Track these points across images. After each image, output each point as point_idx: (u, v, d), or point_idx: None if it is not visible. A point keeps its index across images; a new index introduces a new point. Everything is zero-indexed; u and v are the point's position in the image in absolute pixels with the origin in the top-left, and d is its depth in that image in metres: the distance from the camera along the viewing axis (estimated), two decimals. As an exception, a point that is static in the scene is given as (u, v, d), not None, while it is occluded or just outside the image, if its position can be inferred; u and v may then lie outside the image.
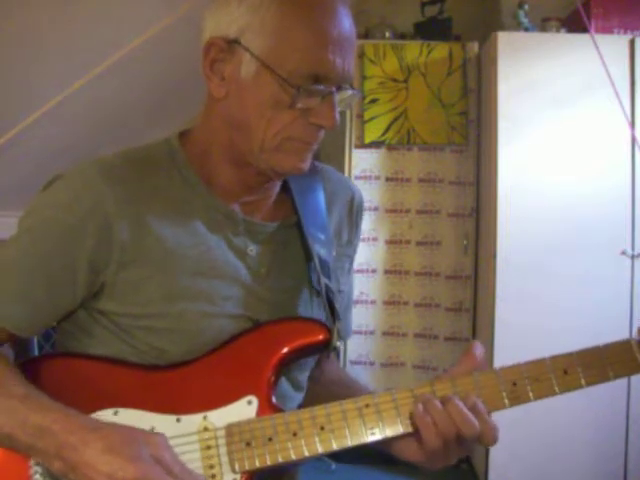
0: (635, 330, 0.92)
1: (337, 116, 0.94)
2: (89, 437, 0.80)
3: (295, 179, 1.07)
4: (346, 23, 0.93)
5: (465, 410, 0.87)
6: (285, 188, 1.08)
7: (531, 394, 0.89)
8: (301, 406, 1.07)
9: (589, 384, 0.90)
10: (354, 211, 1.18)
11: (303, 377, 1.09)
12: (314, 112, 0.93)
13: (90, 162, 0.98)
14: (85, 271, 0.94)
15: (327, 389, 1.10)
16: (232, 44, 0.93)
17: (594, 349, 0.91)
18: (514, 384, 0.89)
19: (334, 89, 0.93)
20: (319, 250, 1.05)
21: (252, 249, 1.03)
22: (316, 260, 1.04)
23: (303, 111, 0.93)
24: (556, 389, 0.89)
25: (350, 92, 0.97)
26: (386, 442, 0.92)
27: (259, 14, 0.91)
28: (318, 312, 1.07)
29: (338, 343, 1.01)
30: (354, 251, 1.20)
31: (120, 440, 0.80)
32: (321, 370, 1.17)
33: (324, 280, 1.04)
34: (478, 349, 0.94)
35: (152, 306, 0.96)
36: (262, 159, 0.96)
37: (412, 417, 0.88)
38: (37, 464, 0.87)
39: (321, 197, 1.12)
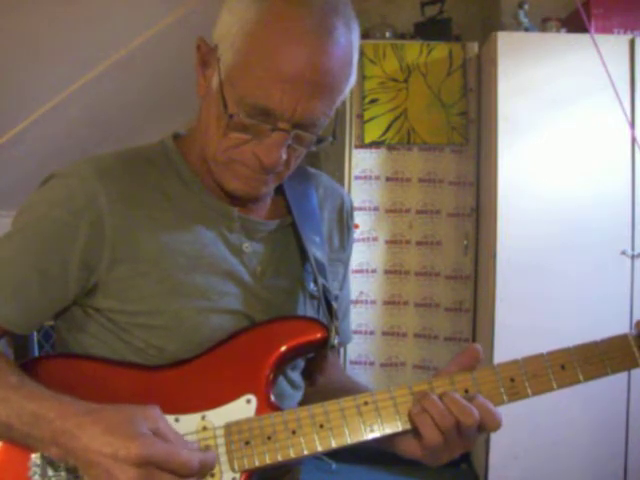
0: (634, 326, 0.91)
1: (279, 155, 0.90)
2: (84, 421, 0.80)
3: (289, 182, 1.08)
4: (314, 65, 0.86)
5: (462, 400, 0.86)
6: (280, 190, 1.08)
7: (529, 390, 0.89)
8: (300, 405, 1.07)
9: (587, 379, 0.89)
10: (344, 217, 1.18)
11: (296, 376, 1.09)
12: (258, 143, 0.91)
13: (84, 160, 0.98)
14: (77, 268, 0.94)
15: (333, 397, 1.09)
16: (214, 49, 0.92)
17: (591, 344, 0.90)
18: (512, 380, 0.89)
19: (285, 127, 0.89)
20: (315, 252, 1.05)
21: (247, 246, 1.03)
22: (312, 261, 1.04)
23: (254, 137, 0.91)
24: (554, 384, 0.89)
25: (312, 138, 0.92)
26: (387, 440, 0.92)
27: (235, 29, 0.88)
28: (311, 313, 1.07)
29: (336, 342, 1.01)
30: (347, 257, 1.20)
31: (117, 419, 0.80)
32: (326, 377, 1.16)
33: (321, 280, 1.04)
34: (478, 349, 0.93)
35: (148, 303, 0.96)
36: (214, 170, 0.97)
37: (410, 415, 0.88)
38: (36, 464, 0.87)
39: (314, 201, 1.12)
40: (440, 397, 0.87)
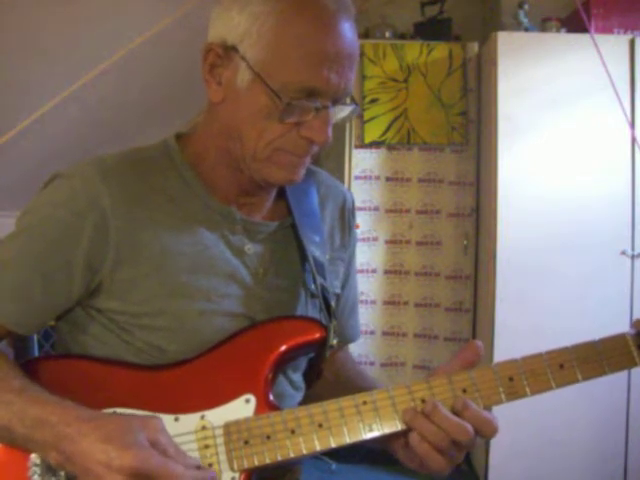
0: (632, 325, 0.91)
1: (329, 131, 0.93)
2: (85, 427, 0.81)
3: None
4: (346, 39, 0.91)
5: (453, 418, 0.85)
6: (280, 189, 1.09)
7: (528, 389, 0.89)
8: (301, 405, 1.06)
9: (585, 378, 0.90)
10: (346, 215, 1.18)
11: (297, 377, 1.09)
12: (307, 126, 0.92)
13: (88, 161, 0.98)
14: (81, 269, 0.94)
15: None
16: (230, 50, 0.93)
17: (590, 343, 0.91)
18: (511, 379, 0.89)
19: (329, 104, 0.92)
20: (314, 251, 1.06)
21: (249, 247, 1.03)
22: (311, 261, 1.04)
23: (296, 124, 0.92)
24: (552, 384, 0.89)
25: (348, 108, 0.97)
26: (388, 443, 0.92)
27: (257, 23, 0.90)
28: (313, 313, 1.07)
29: (334, 342, 1.01)
30: (350, 255, 1.20)
31: (115, 428, 0.80)
32: (328, 377, 1.15)
33: (320, 280, 1.04)
34: (478, 345, 0.93)
35: (150, 304, 0.96)
36: (253, 168, 0.97)
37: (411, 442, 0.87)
38: (35, 464, 0.87)
39: (315, 200, 1.12)
40: (427, 414, 0.86)
